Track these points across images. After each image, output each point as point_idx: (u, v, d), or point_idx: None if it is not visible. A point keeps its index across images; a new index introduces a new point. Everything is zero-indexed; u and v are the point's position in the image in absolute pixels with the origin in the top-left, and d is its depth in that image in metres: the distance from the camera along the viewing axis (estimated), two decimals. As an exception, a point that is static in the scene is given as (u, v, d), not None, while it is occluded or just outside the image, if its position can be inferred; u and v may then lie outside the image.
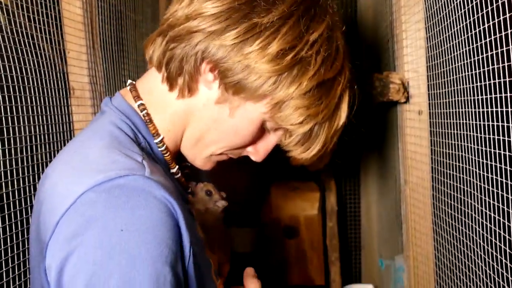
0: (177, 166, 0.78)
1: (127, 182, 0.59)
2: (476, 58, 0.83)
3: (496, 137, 0.78)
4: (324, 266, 1.86)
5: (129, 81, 0.78)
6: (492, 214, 0.82)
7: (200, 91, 0.72)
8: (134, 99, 0.75)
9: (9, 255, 0.86)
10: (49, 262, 0.60)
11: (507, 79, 0.71)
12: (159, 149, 0.74)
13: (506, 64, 0.70)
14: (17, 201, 0.88)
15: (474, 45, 0.83)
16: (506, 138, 0.74)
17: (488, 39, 0.76)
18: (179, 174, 0.79)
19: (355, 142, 1.97)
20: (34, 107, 0.94)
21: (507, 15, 0.68)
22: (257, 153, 0.79)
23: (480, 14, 0.80)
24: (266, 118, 0.73)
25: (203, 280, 0.70)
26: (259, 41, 0.66)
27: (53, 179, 0.66)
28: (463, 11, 0.88)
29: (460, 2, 0.89)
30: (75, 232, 0.58)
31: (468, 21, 0.85)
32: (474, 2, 0.82)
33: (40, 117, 0.96)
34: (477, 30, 0.81)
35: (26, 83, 0.92)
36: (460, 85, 0.93)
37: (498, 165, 0.78)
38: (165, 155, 0.75)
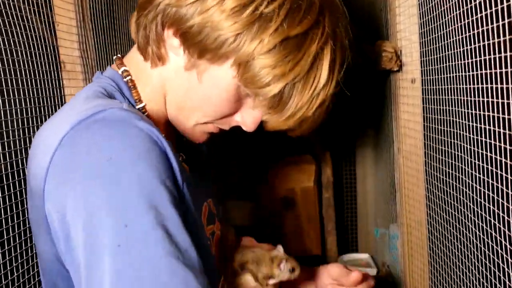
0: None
1: (106, 115, 0.60)
2: (467, 20, 0.83)
3: (489, 99, 0.78)
4: (321, 236, 1.89)
5: (115, 56, 0.80)
6: (484, 178, 0.82)
7: (171, 59, 0.72)
8: (118, 67, 0.76)
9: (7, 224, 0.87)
10: (48, 208, 0.60)
11: (496, 40, 0.70)
12: None
13: (495, 25, 0.70)
14: (9, 174, 0.89)
15: (466, 7, 0.83)
16: (498, 100, 0.74)
17: (478, 1, 0.76)
18: None
19: (350, 113, 1.97)
20: (24, 80, 0.94)
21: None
22: (245, 122, 0.76)
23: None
24: (238, 83, 0.69)
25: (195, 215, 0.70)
26: None
27: (41, 135, 0.66)
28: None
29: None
30: (65, 173, 0.58)
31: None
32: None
33: (31, 90, 0.96)
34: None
35: (15, 56, 0.92)
36: (452, 50, 0.92)
37: (489, 128, 0.78)
38: None
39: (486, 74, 0.77)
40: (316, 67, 0.69)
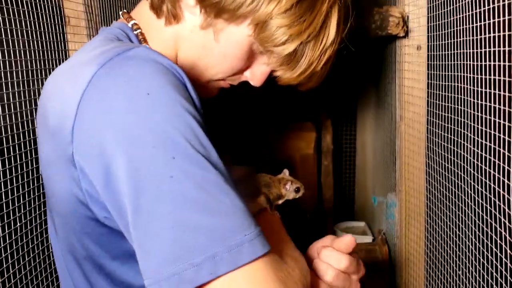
0: None
1: (135, 53, 0.59)
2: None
3: (492, 63, 0.78)
4: (318, 203, 1.91)
5: (121, 11, 0.79)
6: (484, 142, 0.83)
7: (186, 18, 0.72)
8: (127, 20, 0.76)
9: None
10: (77, 146, 0.59)
11: (502, 2, 0.70)
12: None
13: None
14: (14, 124, 0.89)
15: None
16: (502, 63, 0.74)
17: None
18: None
19: (353, 80, 1.96)
20: (29, 32, 0.94)
21: None
22: (254, 77, 0.79)
23: None
24: (253, 41, 0.71)
25: None
26: None
27: (59, 79, 0.65)
28: None
29: None
30: (102, 107, 0.57)
31: None
32: None
33: (35, 43, 0.96)
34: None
35: (20, 7, 0.91)
36: (459, 14, 0.92)
37: (492, 91, 0.78)
38: None
39: (493, 37, 0.76)
40: (326, 25, 0.72)
